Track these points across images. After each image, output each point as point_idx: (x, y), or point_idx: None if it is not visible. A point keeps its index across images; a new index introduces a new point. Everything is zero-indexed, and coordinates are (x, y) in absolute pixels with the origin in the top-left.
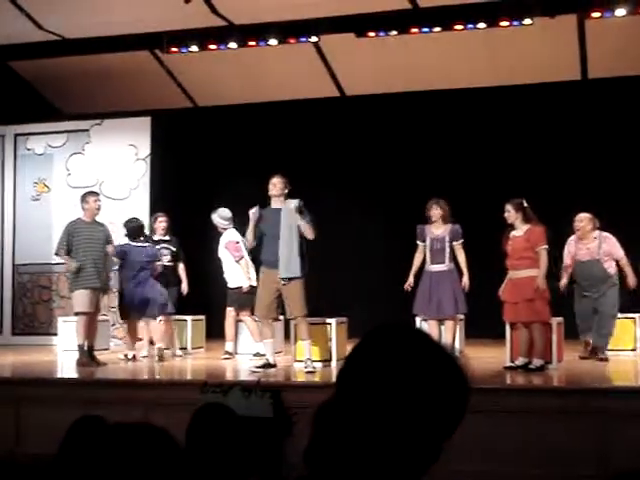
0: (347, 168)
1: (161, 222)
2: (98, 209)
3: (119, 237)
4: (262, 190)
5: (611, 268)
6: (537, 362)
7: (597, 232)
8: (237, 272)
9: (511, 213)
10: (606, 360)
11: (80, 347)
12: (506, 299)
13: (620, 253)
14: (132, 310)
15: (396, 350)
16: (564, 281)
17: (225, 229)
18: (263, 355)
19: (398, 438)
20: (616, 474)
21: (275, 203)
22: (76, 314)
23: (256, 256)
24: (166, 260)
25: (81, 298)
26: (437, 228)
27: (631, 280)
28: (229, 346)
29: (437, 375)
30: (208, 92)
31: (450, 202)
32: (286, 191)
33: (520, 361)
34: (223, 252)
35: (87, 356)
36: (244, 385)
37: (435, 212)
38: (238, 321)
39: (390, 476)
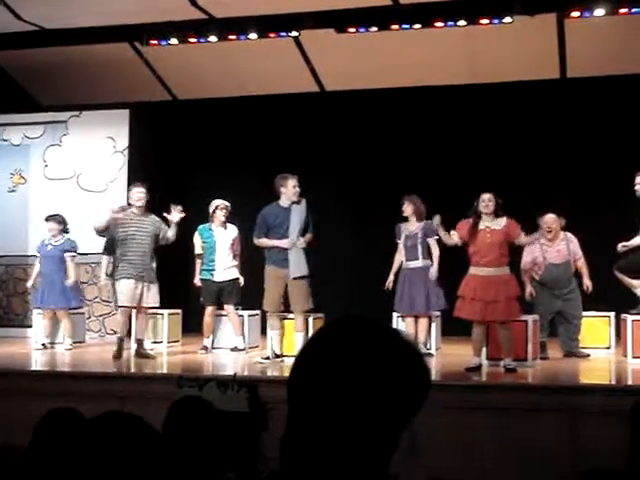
0: (326, 164)
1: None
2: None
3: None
4: (241, 184)
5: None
6: (511, 361)
7: (562, 233)
8: (235, 265)
9: (492, 203)
10: (588, 356)
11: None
12: (478, 297)
13: (581, 253)
14: None
15: (354, 341)
16: (529, 289)
17: (226, 222)
18: (242, 350)
19: (358, 429)
20: (588, 471)
21: (284, 202)
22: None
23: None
24: None
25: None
26: (411, 225)
27: (587, 281)
28: (207, 341)
29: (395, 366)
30: (188, 85)
31: (427, 198)
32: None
33: (507, 362)
34: (228, 243)
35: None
36: (220, 379)
37: (407, 208)
38: (217, 315)
39: (355, 467)
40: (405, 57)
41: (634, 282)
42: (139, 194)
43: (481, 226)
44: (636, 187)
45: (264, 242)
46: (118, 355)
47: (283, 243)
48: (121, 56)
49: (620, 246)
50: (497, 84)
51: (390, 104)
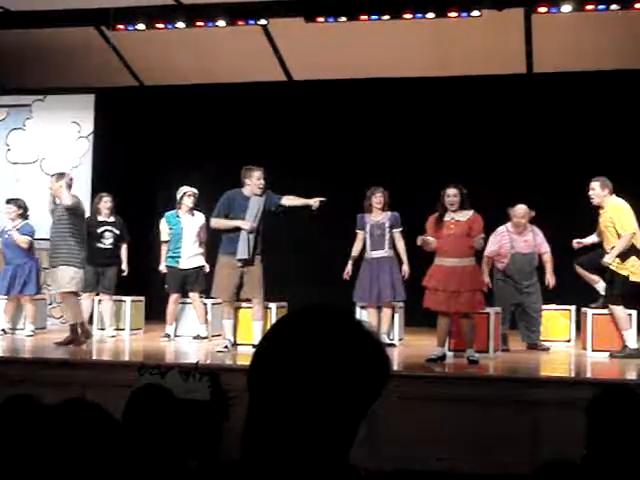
0: (292, 153)
1: (106, 202)
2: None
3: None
4: (207, 171)
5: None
6: (473, 353)
7: (529, 225)
8: (201, 253)
9: (458, 198)
10: (548, 349)
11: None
12: (442, 287)
13: (547, 246)
14: None
15: (316, 330)
16: (487, 279)
17: (193, 209)
18: (205, 338)
19: (318, 417)
20: (546, 463)
21: (247, 192)
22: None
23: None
24: (108, 243)
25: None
26: (377, 215)
27: (550, 276)
28: (169, 329)
29: (355, 355)
30: (155, 71)
31: (391, 190)
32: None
33: (470, 353)
34: (194, 230)
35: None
36: (182, 367)
37: (379, 199)
38: (181, 303)
39: (316, 455)
40: (374, 48)
41: (594, 277)
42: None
43: (446, 217)
44: (589, 193)
45: (222, 222)
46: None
47: (244, 224)
48: (87, 40)
49: (575, 243)
50: (465, 77)
51: (358, 95)
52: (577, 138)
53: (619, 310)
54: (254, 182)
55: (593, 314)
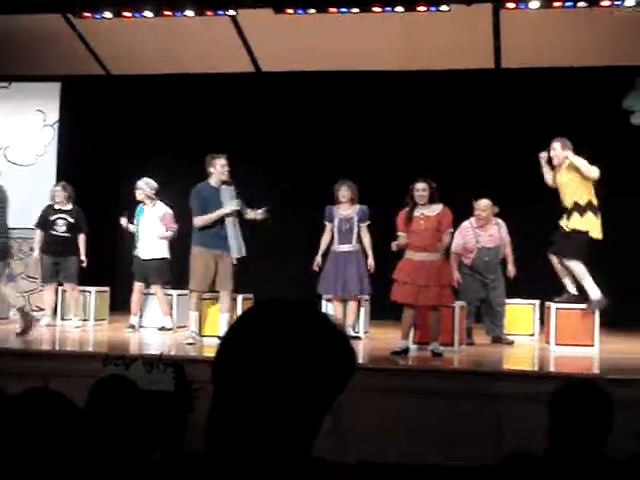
0: (259, 145)
1: (60, 191)
2: None
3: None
4: (173, 162)
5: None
6: (438, 346)
7: (494, 218)
8: (162, 244)
9: (427, 192)
10: (512, 343)
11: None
12: (411, 281)
13: (509, 239)
14: None
15: (280, 322)
16: (457, 275)
17: (153, 199)
18: (170, 329)
19: (282, 409)
20: (509, 455)
21: (214, 182)
22: None
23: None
24: (61, 231)
25: None
26: (345, 209)
27: (511, 267)
28: (134, 319)
29: (320, 348)
30: (122, 60)
31: (360, 183)
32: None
33: (434, 346)
34: (153, 223)
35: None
36: (146, 358)
37: (345, 193)
38: (146, 294)
39: (280, 447)
40: (342, 41)
41: (572, 263)
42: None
43: (416, 213)
44: (551, 153)
45: (206, 218)
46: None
47: (226, 209)
48: (53, 28)
49: (541, 156)
50: (433, 72)
51: (326, 87)
52: (543, 133)
53: (577, 264)
54: (218, 170)
55: (557, 308)
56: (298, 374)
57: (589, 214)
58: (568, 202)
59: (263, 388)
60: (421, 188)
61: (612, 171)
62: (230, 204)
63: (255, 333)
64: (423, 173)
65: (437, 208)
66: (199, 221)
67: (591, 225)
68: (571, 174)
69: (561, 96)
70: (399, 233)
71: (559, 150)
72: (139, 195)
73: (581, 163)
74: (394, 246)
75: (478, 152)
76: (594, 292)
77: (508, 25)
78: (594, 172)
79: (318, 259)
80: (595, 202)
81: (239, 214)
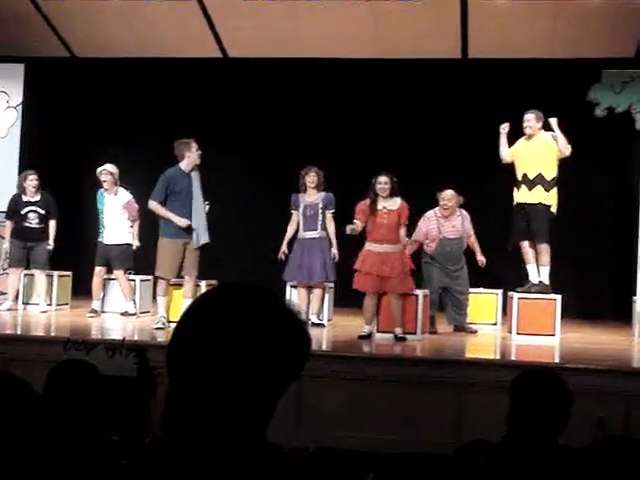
0: (225, 131)
1: (32, 181)
2: None
3: None
4: (138, 147)
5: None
6: (401, 331)
7: (458, 209)
8: (127, 230)
9: (388, 186)
10: (475, 331)
11: None
12: (374, 271)
13: (472, 230)
14: None
15: (234, 306)
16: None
17: (117, 185)
18: (132, 314)
19: (236, 394)
20: (468, 442)
21: (186, 167)
22: None
23: None
24: (34, 223)
25: None
26: (311, 195)
27: (480, 257)
28: (96, 304)
29: (274, 332)
30: (88, 43)
31: (323, 171)
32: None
33: (397, 331)
34: (117, 209)
35: None
36: (108, 343)
37: (313, 178)
38: (107, 279)
39: (234, 432)
40: (310, 28)
41: (544, 246)
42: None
43: (379, 206)
44: (524, 124)
45: (160, 211)
46: None
47: (181, 222)
48: (17, 8)
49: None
50: (401, 60)
51: (293, 74)
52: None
53: (547, 248)
54: (194, 153)
55: (519, 298)
56: (252, 358)
57: (554, 190)
58: (531, 173)
59: (217, 372)
60: (383, 181)
61: (577, 161)
62: (183, 221)
63: (210, 316)
64: (387, 165)
65: (397, 202)
66: (152, 206)
67: (554, 201)
68: (543, 146)
69: (527, 87)
70: (354, 221)
71: (533, 122)
72: (107, 180)
73: (562, 136)
74: (348, 229)
75: (444, 141)
76: (545, 278)
77: (476, 15)
78: (569, 149)
79: (284, 247)
80: (556, 177)
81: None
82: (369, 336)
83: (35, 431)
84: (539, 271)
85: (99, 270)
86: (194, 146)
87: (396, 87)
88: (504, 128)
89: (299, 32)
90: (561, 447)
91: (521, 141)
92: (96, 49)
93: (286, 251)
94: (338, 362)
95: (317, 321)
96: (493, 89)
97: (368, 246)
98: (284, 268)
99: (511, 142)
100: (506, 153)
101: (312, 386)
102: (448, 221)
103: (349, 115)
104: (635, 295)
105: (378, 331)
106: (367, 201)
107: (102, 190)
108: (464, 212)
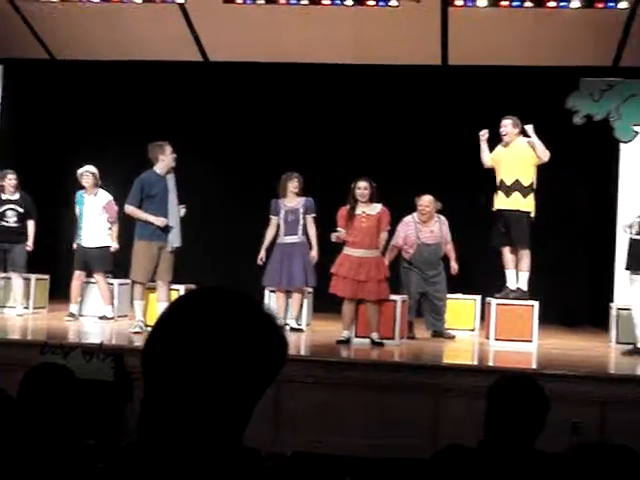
0: (205, 135)
1: (10, 180)
2: None
3: None
4: (117, 149)
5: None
6: (377, 336)
7: (436, 215)
8: (106, 232)
9: (368, 191)
10: (453, 337)
11: None
12: (351, 276)
13: (450, 237)
14: None
15: (211, 310)
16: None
17: (97, 187)
18: (110, 318)
19: (211, 398)
20: (444, 447)
21: (161, 170)
22: None
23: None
24: (12, 222)
25: None
26: (291, 200)
27: (454, 264)
28: (73, 308)
29: (250, 336)
30: (67, 45)
31: (303, 175)
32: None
33: (374, 336)
34: (97, 210)
35: None
36: (86, 347)
37: (296, 184)
38: (86, 282)
39: (209, 437)
40: (291, 33)
41: (525, 252)
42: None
43: (358, 211)
44: (501, 130)
45: (137, 213)
46: None
47: (158, 221)
48: None
49: (482, 134)
50: (381, 66)
51: (274, 79)
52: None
53: (528, 254)
54: (168, 156)
55: (497, 304)
56: (229, 362)
57: (531, 196)
58: (508, 180)
59: (193, 376)
60: (363, 186)
61: (555, 168)
62: (160, 220)
63: (187, 320)
64: (366, 170)
65: (377, 207)
66: (128, 210)
67: (532, 207)
68: (520, 152)
69: (506, 94)
70: (338, 229)
71: (510, 128)
72: (89, 181)
73: (539, 142)
74: (333, 237)
75: (422, 147)
76: (524, 285)
77: (456, 22)
78: (547, 154)
79: (262, 253)
80: (535, 185)
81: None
82: (347, 341)
83: (8, 435)
84: (518, 277)
85: (78, 274)
86: (168, 149)
87: (376, 93)
88: (483, 135)
89: (279, 37)
90: (537, 452)
91: (499, 148)
92: (75, 51)
93: (263, 257)
94: (316, 367)
95: (296, 326)
96: (473, 96)
97: (346, 251)
98: (263, 273)
99: (491, 148)
100: (487, 158)
101: (290, 390)
102: (426, 226)
103: (329, 120)
104: (612, 302)
105: (357, 336)
106: (347, 207)
107: (82, 192)
108: (442, 218)
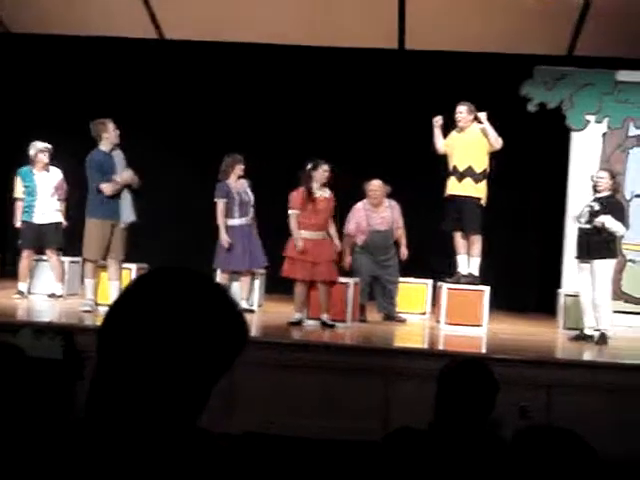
0: (158, 113)
1: None
2: None
3: None
4: (68, 126)
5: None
6: (328, 317)
7: (386, 200)
8: (58, 208)
9: (328, 174)
10: (404, 321)
11: None
12: (309, 259)
13: (402, 221)
14: None
15: (169, 290)
16: (349, 258)
17: (49, 164)
18: (60, 296)
19: (168, 379)
20: (395, 430)
21: (106, 147)
22: None
23: None
24: None
25: None
26: (238, 182)
27: (404, 249)
28: (22, 286)
29: (210, 318)
30: (21, 18)
31: (255, 158)
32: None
33: (325, 318)
34: (50, 187)
35: None
36: (35, 326)
37: (241, 166)
38: (36, 260)
39: (162, 418)
40: (247, 12)
41: (476, 237)
42: None
43: (317, 194)
44: (457, 116)
45: (114, 184)
46: None
47: (125, 175)
48: None
49: (435, 121)
50: (336, 49)
51: (227, 59)
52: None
53: (479, 239)
54: (112, 133)
55: (448, 288)
56: (187, 344)
57: (483, 182)
58: (461, 165)
59: (150, 356)
60: (327, 169)
61: (508, 155)
62: (130, 176)
63: (144, 300)
64: (315, 154)
65: (328, 191)
66: (108, 188)
67: (483, 193)
68: (474, 139)
69: (462, 80)
70: (292, 211)
71: (465, 114)
72: (46, 158)
73: (491, 130)
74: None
75: (375, 132)
76: (475, 270)
77: (413, 6)
78: (500, 142)
79: (225, 237)
80: (487, 170)
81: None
82: (299, 323)
83: None
84: (469, 262)
85: (28, 253)
86: (111, 126)
87: (329, 75)
88: (437, 121)
89: (235, 16)
90: (486, 434)
91: (453, 133)
92: (30, 25)
93: (228, 240)
94: (266, 348)
95: (247, 307)
96: (428, 81)
97: (303, 234)
98: (220, 256)
99: (445, 134)
100: (441, 144)
101: (242, 371)
102: (377, 212)
103: (279, 101)
104: (560, 288)
105: (308, 318)
106: (301, 190)
107: (28, 168)
108: (393, 202)
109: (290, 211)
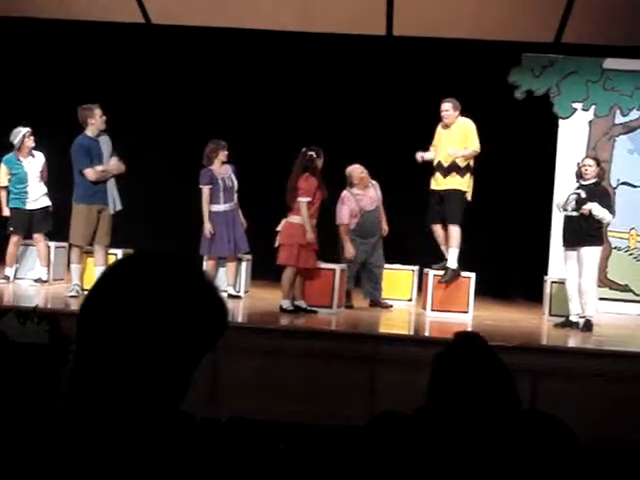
0: (144, 99)
1: None
2: None
3: None
4: (49, 111)
5: None
6: (304, 304)
7: (369, 181)
8: (45, 193)
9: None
10: (390, 307)
11: None
12: (311, 247)
13: (381, 199)
14: None
15: (148, 274)
16: (349, 247)
17: (32, 149)
18: (45, 281)
19: (147, 364)
20: (379, 414)
21: (93, 132)
22: None
23: None
24: None
25: None
26: (221, 168)
27: (385, 225)
28: (9, 271)
29: (189, 302)
30: (4, 1)
31: (240, 144)
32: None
33: (302, 303)
34: (37, 172)
35: None
36: (20, 310)
37: (224, 153)
38: (23, 245)
39: (143, 403)
40: None
41: (455, 229)
42: None
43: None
44: (442, 113)
45: (101, 170)
46: None
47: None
48: None
49: (418, 156)
50: (323, 34)
51: (215, 44)
52: (430, 103)
53: (458, 231)
54: (98, 119)
55: (434, 275)
56: (166, 328)
57: (468, 176)
58: (446, 161)
59: (129, 340)
60: (318, 156)
61: (495, 142)
62: (116, 164)
63: (124, 284)
64: (302, 142)
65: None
66: (92, 174)
67: (468, 187)
68: (458, 134)
69: (450, 67)
70: (304, 199)
71: (451, 111)
72: (32, 142)
73: (467, 152)
74: (419, 157)
75: (363, 118)
76: (453, 262)
77: None
78: (477, 150)
79: (208, 225)
80: (472, 165)
81: None
82: (294, 310)
83: None
84: (448, 253)
85: (17, 239)
86: (98, 112)
87: (317, 62)
88: (420, 158)
89: (223, 1)
90: (474, 418)
91: (439, 129)
92: (12, 8)
93: (211, 228)
94: (252, 334)
95: (234, 292)
96: (415, 67)
97: (294, 219)
98: (206, 242)
99: (432, 127)
100: (431, 154)
101: (227, 357)
102: (364, 194)
103: (266, 87)
104: (546, 274)
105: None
106: (310, 178)
107: (13, 154)
108: (374, 181)
109: (302, 199)
